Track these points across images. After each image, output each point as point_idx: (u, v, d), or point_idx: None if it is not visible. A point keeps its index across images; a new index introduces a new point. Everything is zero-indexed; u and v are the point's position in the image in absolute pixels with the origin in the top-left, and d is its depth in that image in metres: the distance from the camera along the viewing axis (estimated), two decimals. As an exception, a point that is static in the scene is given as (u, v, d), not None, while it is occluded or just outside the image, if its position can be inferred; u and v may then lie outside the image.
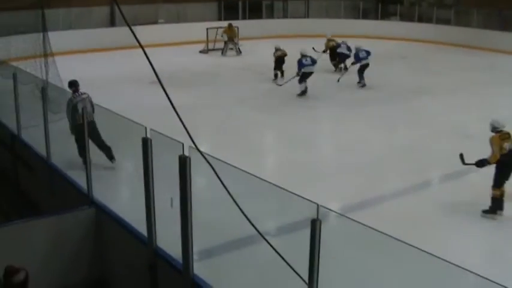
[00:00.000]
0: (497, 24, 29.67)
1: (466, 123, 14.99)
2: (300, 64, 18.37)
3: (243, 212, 4.53)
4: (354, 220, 4.50)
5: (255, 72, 21.45)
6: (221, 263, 7.84)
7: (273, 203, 7.41)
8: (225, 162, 5.30)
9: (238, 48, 27.79)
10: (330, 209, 4.79)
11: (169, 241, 6.66)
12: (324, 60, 23.09)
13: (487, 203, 9.62)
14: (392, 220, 9.04)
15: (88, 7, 28.23)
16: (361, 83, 20.40)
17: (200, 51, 28.16)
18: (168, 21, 31.01)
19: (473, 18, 30.80)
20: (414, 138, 13.97)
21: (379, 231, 4.24)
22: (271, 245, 4.65)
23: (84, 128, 9.04)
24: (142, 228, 6.91)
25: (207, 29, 28.27)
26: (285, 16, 36.32)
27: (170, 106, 4.14)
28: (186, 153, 5.57)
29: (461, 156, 9.93)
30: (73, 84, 11.34)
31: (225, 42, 27.68)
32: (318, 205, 4.31)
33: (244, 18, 33.81)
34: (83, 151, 10.62)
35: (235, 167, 5.51)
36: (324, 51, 23.34)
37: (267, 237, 4.70)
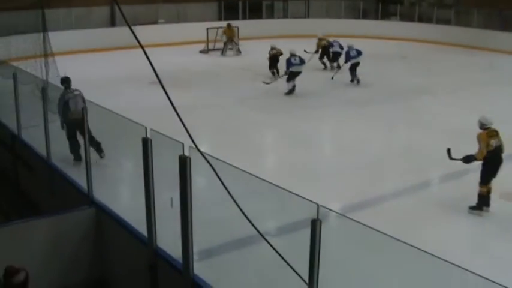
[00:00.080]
0: (498, 24, 29.67)
1: (466, 123, 14.94)
2: (288, 63, 18.57)
3: (243, 212, 4.53)
4: (354, 220, 4.50)
5: (255, 72, 21.45)
6: (221, 263, 7.84)
7: (273, 203, 7.41)
8: (225, 162, 5.30)
9: (238, 49, 27.81)
10: (330, 209, 4.79)
11: (169, 241, 6.66)
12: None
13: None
14: (392, 220, 9.04)
15: (88, 7, 28.23)
16: (355, 80, 20.56)
17: (200, 51, 28.16)
18: (168, 21, 31.02)
19: (473, 18, 30.80)
20: (414, 138, 13.97)
21: (379, 231, 4.24)
22: (271, 245, 4.65)
23: (74, 125, 9.39)
24: (142, 228, 6.91)
25: (207, 29, 28.28)
26: (285, 16, 36.32)
27: (170, 106, 4.14)
28: (186, 153, 5.57)
29: (448, 151, 10.03)
30: (65, 81, 11.54)
31: (225, 43, 27.70)
32: (318, 205, 4.31)
33: (244, 18, 33.82)
34: (73, 148, 10.97)
35: (235, 167, 5.51)
36: (316, 51, 23.45)
37: (267, 237, 4.70)
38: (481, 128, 9.67)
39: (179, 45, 28.72)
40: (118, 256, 7.97)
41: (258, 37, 27.81)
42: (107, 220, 7.96)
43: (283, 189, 4.97)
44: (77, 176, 9.10)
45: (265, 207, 7.50)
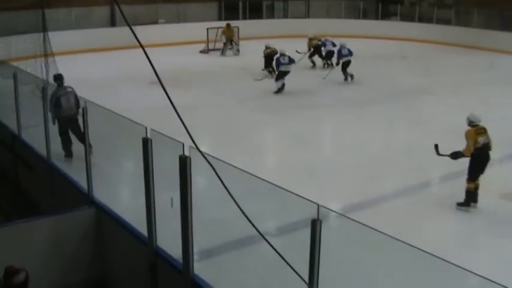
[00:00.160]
0: (498, 24, 29.66)
1: (466, 123, 14.97)
2: (278, 63, 18.88)
3: (243, 212, 4.53)
4: (354, 220, 4.50)
5: (254, 72, 21.44)
6: (221, 263, 7.84)
7: (273, 203, 7.42)
8: (225, 162, 5.30)
9: (238, 49, 27.82)
10: (330, 209, 4.79)
11: (169, 241, 6.65)
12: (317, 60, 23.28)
13: (487, 203, 9.64)
14: (392, 220, 9.05)
15: (88, 7, 28.23)
16: (348, 78, 20.73)
17: (200, 51, 28.17)
18: (168, 21, 31.01)
19: (473, 18, 30.79)
20: (414, 137, 13.98)
21: (379, 231, 4.24)
22: (271, 245, 4.64)
23: (66, 121, 10.35)
24: (142, 228, 6.90)
25: (208, 29, 28.28)
26: (285, 16, 36.32)
27: (170, 106, 4.14)
28: (186, 153, 5.57)
29: (435, 147, 10.15)
30: (58, 78, 11.68)
31: (224, 43, 27.73)
32: (318, 205, 4.31)
33: (244, 18, 33.83)
34: (65, 144, 11.19)
35: (235, 166, 5.50)
36: (309, 51, 23.73)
37: (267, 237, 4.69)
38: (469, 125, 9.81)
39: (179, 45, 28.71)
40: (118, 256, 7.97)
41: (258, 37, 27.79)
42: (107, 220, 7.95)
43: (283, 189, 4.96)
44: (77, 176, 9.09)
45: (265, 207, 7.50)
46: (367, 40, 31.64)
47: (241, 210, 4.52)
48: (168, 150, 6.18)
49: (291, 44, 24.33)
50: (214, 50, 28.08)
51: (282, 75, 18.88)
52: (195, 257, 6.08)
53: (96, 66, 23.48)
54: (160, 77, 4.12)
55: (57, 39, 16.34)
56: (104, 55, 26.15)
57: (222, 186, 4.45)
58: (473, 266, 3.98)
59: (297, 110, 16.88)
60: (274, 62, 19.47)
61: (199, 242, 6.09)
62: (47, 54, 14.35)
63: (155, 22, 30.47)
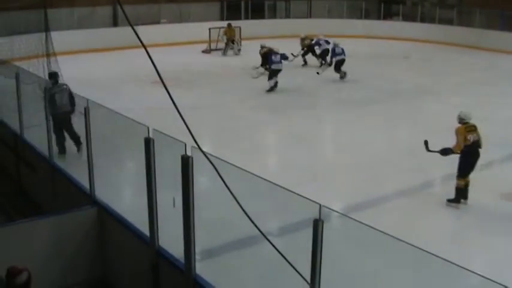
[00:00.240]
0: (500, 24, 29.63)
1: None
2: (270, 60, 19.12)
3: (245, 212, 4.52)
4: (355, 220, 4.50)
5: (251, 71, 21.46)
6: (223, 263, 7.84)
7: (275, 202, 7.41)
8: (227, 162, 5.30)
9: (239, 49, 27.83)
10: (332, 209, 4.78)
11: (171, 241, 6.66)
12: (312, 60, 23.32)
13: (488, 203, 9.63)
14: (393, 220, 9.05)
15: (91, 7, 28.25)
16: (343, 76, 20.98)
17: (203, 51, 28.19)
18: (170, 21, 31.02)
19: (475, 19, 30.75)
20: (415, 137, 13.91)
21: (381, 231, 4.24)
22: (273, 245, 4.64)
23: (59, 118, 10.62)
24: (144, 228, 6.91)
25: (210, 29, 28.29)
26: (287, 16, 36.33)
27: (172, 106, 4.14)
28: (189, 153, 5.57)
29: (425, 143, 10.36)
30: (52, 76, 11.91)
31: (226, 43, 27.76)
32: (320, 205, 4.31)
33: (246, 18, 33.85)
34: (58, 140, 11.35)
35: (237, 166, 5.50)
36: (302, 50, 24.15)
37: (269, 237, 4.69)
38: (460, 122, 9.99)
39: (181, 45, 28.75)
40: (120, 256, 7.97)
41: (260, 37, 27.76)
42: (109, 220, 7.96)
43: (285, 189, 4.96)
44: (79, 175, 9.10)
45: (267, 207, 7.50)
46: (369, 40, 31.65)
47: (243, 210, 4.52)
48: (170, 150, 6.18)
49: (293, 44, 24.46)
50: (216, 49, 28.11)
51: (274, 73, 19.08)
52: (197, 256, 6.08)
53: (98, 66, 23.51)
54: (163, 77, 4.12)
55: (60, 39, 16.34)
56: (106, 55, 26.17)
57: (224, 186, 4.45)
58: (475, 265, 3.98)
59: (298, 110, 16.88)
60: (267, 60, 19.76)
61: (201, 242, 6.09)
62: (49, 54, 14.35)
63: (157, 22, 30.49)
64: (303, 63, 24.31)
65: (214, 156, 4.61)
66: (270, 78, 19.19)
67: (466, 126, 9.88)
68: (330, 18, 34.41)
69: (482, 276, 3.69)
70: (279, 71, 19.10)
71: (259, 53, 21.81)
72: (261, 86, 19.79)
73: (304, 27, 30.01)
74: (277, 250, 4.64)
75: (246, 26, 30.12)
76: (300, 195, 4.69)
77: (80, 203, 8.40)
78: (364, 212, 9.56)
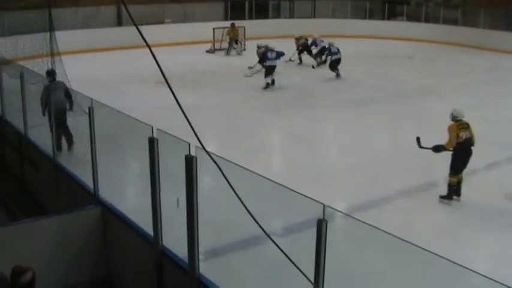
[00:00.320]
0: (504, 24, 29.58)
1: (472, 124, 14.93)
2: (265, 57, 19.62)
3: (249, 212, 4.52)
4: (359, 220, 4.50)
5: (259, 72, 21.45)
6: (227, 263, 7.84)
7: (278, 202, 7.41)
8: (231, 162, 5.30)
9: (242, 49, 27.84)
10: (336, 209, 4.78)
11: (175, 241, 6.66)
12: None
13: (492, 204, 9.63)
14: (397, 220, 9.04)
15: (95, 7, 28.27)
16: (337, 74, 21.42)
17: (207, 51, 28.19)
18: (174, 21, 31.03)
19: (480, 19, 30.69)
20: (419, 136, 13.92)
21: (384, 231, 4.24)
22: (277, 245, 4.64)
23: (55, 115, 10.83)
24: (148, 228, 6.91)
25: (214, 28, 28.30)
26: (291, 16, 36.31)
27: (176, 106, 4.14)
28: (193, 153, 5.57)
29: (417, 139, 10.58)
30: (50, 74, 12.16)
31: (229, 42, 27.78)
32: (324, 205, 4.31)
33: (250, 18, 33.82)
34: (57, 138, 11.30)
35: (241, 166, 5.50)
36: (297, 49, 24.67)
37: (273, 237, 4.69)
38: (452, 120, 10.15)
39: (185, 45, 28.74)
40: (124, 255, 7.98)
41: (264, 37, 27.75)
42: (113, 219, 7.96)
43: (289, 189, 4.96)
44: (83, 175, 9.11)
45: (271, 207, 7.50)
46: (373, 40, 31.63)
47: (247, 209, 4.52)
48: (174, 150, 6.18)
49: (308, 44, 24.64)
50: (220, 49, 28.11)
51: (269, 70, 19.51)
52: (201, 256, 6.09)
53: (103, 66, 23.54)
54: (167, 77, 4.12)
55: (64, 38, 16.36)
56: (111, 55, 26.19)
57: (228, 185, 4.45)
58: (479, 266, 3.97)
59: (301, 110, 16.87)
60: (263, 58, 20.20)
61: (205, 242, 6.09)
62: (53, 53, 14.37)
63: (161, 22, 30.51)
64: (298, 61, 24.80)
65: (218, 156, 4.61)
66: (266, 75, 19.53)
67: (459, 124, 10.04)
68: (334, 18, 34.40)
69: (486, 277, 3.68)
70: (273, 67, 19.49)
71: (257, 53, 22.07)
72: (263, 86, 19.85)
73: (309, 27, 30.00)
74: (281, 250, 4.64)
75: (250, 26, 30.12)
76: (304, 195, 4.69)
77: (84, 202, 8.41)
78: (368, 212, 9.56)
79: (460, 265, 3.81)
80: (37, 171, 11.21)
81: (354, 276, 6.72)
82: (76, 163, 10.24)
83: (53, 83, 11.93)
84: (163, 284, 6.75)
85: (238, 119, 15.90)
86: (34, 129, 11.72)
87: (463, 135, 9.91)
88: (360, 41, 31.38)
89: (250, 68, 21.91)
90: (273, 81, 19.53)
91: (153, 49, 4.08)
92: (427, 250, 4.01)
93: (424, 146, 10.49)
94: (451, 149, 10.02)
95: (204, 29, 28.60)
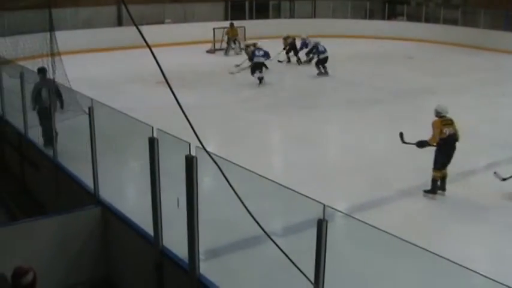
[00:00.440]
0: (504, 24, 29.58)
1: (472, 124, 14.94)
2: (253, 55, 20.35)
3: (249, 212, 4.52)
4: (359, 220, 4.50)
5: (245, 70, 21.46)
6: (227, 263, 7.85)
7: (279, 202, 7.42)
8: (231, 162, 5.29)
9: (240, 49, 27.86)
10: (336, 209, 4.78)
11: (175, 241, 6.66)
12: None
13: (494, 204, 9.63)
14: (397, 220, 9.05)
15: (95, 7, 28.27)
16: (323, 72, 22.00)
17: (207, 51, 28.19)
18: (174, 21, 31.04)
19: (480, 19, 30.69)
20: (420, 138, 13.91)
21: (384, 232, 4.24)
22: (277, 245, 4.64)
23: (44, 112, 11.17)
24: (148, 228, 6.91)
25: (214, 29, 28.31)
26: (291, 16, 36.31)
27: (176, 106, 4.14)
28: (193, 153, 5.57)
29: (401, 135, 10.90)
30: (41, 71, 12.29)
31: (227, 42, 27.78)
32: (324, 205, 4.31)
33: (251, 18, 33.84)
34: (45, 134, 11.66)
35: (241, 166, 5.50)
36: (284, 49, 25.11)
37: (273, 237, 4.69)
38: (436, 116, 10.41)
39: (185, 45, 28.75)
40: (124, 255, 7.98)
41: (265, 37, 27.77)
42: (113, 219, 7.96)
43: (289, 189, 4.96)
44: (83, 175, 9.11)
45: (271, 207, 7.50)
46: (374, 40, 31.63)
47: (247, 210, 4.52)
48: (174, 149, 6.18)
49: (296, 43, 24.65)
50: (220, 49, 28.13)
51: (255, 67, 20.13)
52: (201, 256, 6.08)
53: (103, 66, 23.54)
54: (167, 77, 4.12)
55: (64, 38, 16.31)
56: (111, 55, 26.20)
57: (228, 185, 4.45)
58: (478, 266, 3.97)
59: (301, 110, 16.87)
60: (251, 55, 20.98)
61: (205, 242, 6.09)
62: (53, 53, 14.34)
63: (162, 22, 30.52)
64: (287, 60, 25.27)
65: (218, 156, 4.61)
66: (252, 72, 20.15)
67: (442, 120, 10.25)
68: (334, 18, 34.42)
69: (486, 277, 3.68)
70: (261, 63, 20.12)
71: (246, 52, 22.70)
72: (263, 86, 19.85)
73: (309, 27, 30.05)
74: (281, 250, 4.64)
75: (251, 26, 30.14)
76: (304, 195, 4.69)
77: (84, 202, 8.41)
78: (368, 212, 9.56)
79: (461, 265, 3.81)
80: (37, 171, 11.21)
81: (354, 276, 6.72)
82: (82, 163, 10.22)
83: (43, 81, 12.10)
84: (163, 284, 6.75)
85: (238, 119, 15.90)
86: (34, 129, 11.73)
87: (447, 131, 10.11)
88: (360, 41, 31.39)
89: (237, 65, 22.50)
90: (261, 78, 20.11)
91: (153, 49, 4.08)
92: (427, 250, 4.01)
93: (408, 141, 10.75)
94: (434, 144, 10.23)
95: (204, 29, 28.62)
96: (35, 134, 11.57)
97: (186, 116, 4.16)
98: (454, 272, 4.02)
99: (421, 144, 10.47)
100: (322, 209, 4.32)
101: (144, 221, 7.16)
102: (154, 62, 4.05)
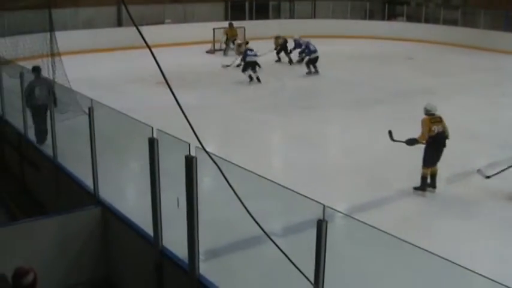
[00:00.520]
0: (504, 25, 29.58)
1: (472, 124, 14.96)
2: (245, 54, 20.83)
3: (249, 212, 4.52)
4: (359, 221, 4.50)
5: (259, 72, 21.46)
6: (227, 263, 7.85)
7: (278, 203, 7.41)
8: (231, 163, 5.30)
9: (231, 48, 27.88)
10: (336, 210, 4.78)
11: (175, 241, 6.66)
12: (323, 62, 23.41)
13: (496, 204, 9.64)
14: (397, 220, 9.05)
15: (95, 7, 28.27)
16: (312, 71, 22.32)
17: (207, 52, 28.19)
18: (174, 21, 31.02)
19: (480, 19, 30.69)
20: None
21: (384, 232, 4.24)
22: (277, 245, 4.64)
23: (37, 110, 11.43)
24: (148, 228, 6.91)
25: (214, 29, 28.30)
26: (291, 17, 36.30)
27: (176, 106, 4.14)
28: (193, 153, 5.57)
29: (389, 133, 11.12)
30: (35, 70, 12.45)
31: (225, 42, 27.78)
32: (324, 206, 4.31)
33: (251, 18, 33.83)
34: (38, 132, 11.81)
35: (241, 167, 5.50)
36: (275, 49, 25.51)
37: (273, 238, 4.69)
38: (426, 114, 10.54)
39: (185, 46, 28.72)
40: (124, 256, 7.98)
41: (265, 37, 27.78)
42: (113, 220, 7.97)
43: (289, 189, 4.96)
44: (83, 175, 9.11)
45: (271, 208, 7.50)
46: (373, 41, 31.62)
47: (247, 210, 4.52)
48: (174, 150, 6.18)
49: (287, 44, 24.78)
50: (220, 50, 28.11)
51: (247, 65, 20.64)
52: (201, 257, 6.08)
53: (103, 66, 23.53)
54: (167, 77, 4.12)
55: (64, 39, 16.34)
56: (111, 55, 26.18)
57: (228, 186, 4.45)
58: (478, 266, 3.97)
59: (301, 110, 16.88)
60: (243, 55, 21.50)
61: (205, 242, 6.10)
62: (53, 54, 14.35)
63: (161, 22, 30.49)
64: (276, 59, 25.53)
65: (218, 157, 4.61)
66: (244, 70, 20.75)
67: (431, 118, 10.39)
68: (334, 19, 34.40)
69: (487, 278, 3.68)
70: (254, 62, 20.67)
71: (237, 50, 23.50)
72: (263, 86, 19.86)
73: (309, 27, 30.09)
74: (281, 250, 4.64)
75: (250, 26, 30.14)
76: (304, 196, 4.69)
77: (84, 202, 8.41)
78: (368, 212, 9.57)
79: (461, 266, 3.81)
80: (37, 171, 11.21)
81: (354, 277, 6.72)
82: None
83: (37, 79, 12.20)
84: (163, 284, 6.75)
85: (238, 119, 15.90)
86: (34, 130, 11.75)
87: (436, 128, 10.27)
88: (360, 41, 31.38)
89: (227, 66, 23.46)
90: (258, 78, 20.56)
91: (153, 49, 4.08)
92: (427, 250, 4.01)
93: (397, 139, 10.93)
94: (423, 142, 10.41)
95: (204, 29, 28.60)
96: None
97: (185, 116, 4.16)
98: (453, 272, 4.02)
99: (411, 142, 10.68)
100: (322, 209, 4.32)
101: (144, 221, 7.16)
102: (154, 62, 4.05)
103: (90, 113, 8.45)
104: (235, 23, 28.85)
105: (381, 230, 4.24)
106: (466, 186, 10.86)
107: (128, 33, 20.60)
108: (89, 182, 8.67)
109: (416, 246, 4.05)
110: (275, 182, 5.20)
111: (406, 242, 4.11)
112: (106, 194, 8.35)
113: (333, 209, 4.49)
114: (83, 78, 17.54)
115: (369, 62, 25.55)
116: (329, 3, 35.65)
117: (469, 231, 9.23)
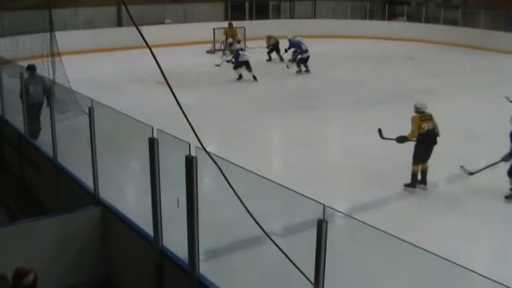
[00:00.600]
0: (504, 25, 29.57)
1: (472, 124, 14.96)
2: (237, 54, 21.36)
3: (249, 212, 4.52)
4: (359, 221, 4.49)
5: (259, 72, 21.46)
6: (227, 263, 7.84)
7: (279, 203, 7.41)
8: (231, 162, 5.29)
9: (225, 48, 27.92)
10: (337, 210, 4.78)
11: (175, 241, 6.66)
12: (322, 61, 23.38)
13: (497, 205, 9.64)
14: (398, 220, 9.05)
15: (95, 7, 28.27)
16: (302, 70, 22.62)
17: (207, 52, 28.19)
18: (174, 21, 31.03)
19: (480, 19, 30.68)
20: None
21: (385, 232, 4.23)
22: (277, 245, 4.64)
23: (31, 107, 11.58)
24: (148, 228, 6.91)
25: (214, 29, 28.30)
26: (291, 17, 36.31)
27: (176, 106, 4.13)
28: (193, 153, 5.57)
29: (379, 131, 11.25)
30: (30, 68, 12.67)
31: (224, 42, 27.80)
32: (324, 206, 4.31)
33: (251, 18, 33.85)
34: (30, 127, 11.86)
35: (241, 167, 5.50)
36: (267, 48, 25.96)
37: (273, 238, 4.69)
38: (416, 111, 10.74)
39: (186, 46, 28.74)
40: (124, 256, 7.98)
41: (264, 38, 27.79)
42: (113, 220, 7.96)
43: (289, 189, 4.96)
44: (83, 175, 9.11)
45: (271, 208, 7.50)
46: (374, 41, 31.62)
47: (247, 210, 4.52)
48: (174, 150, 6.18)
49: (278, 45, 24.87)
50: (220, 50, 28.09)
51: (240, 64, 21.02)
52: (201, 257, 6.08)
53: (103, 66, 23.54)
54: (167, 77, 4.12)
55: (64, 39, 16.33)
56: (111, 55, 26.20)
57: (228, 186, 4.45)
58: (478, 266, 3.96)
59: (301, 110, 16.89)
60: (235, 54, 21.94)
61: (205, 242, 6.09)
62: (53, 54, 14.34)
63: (162, 22, 30.52)
64: (267, 58, 25.88)
65: (218, 157, 4.61)
66: (235, 68, 21.17)
67: (421, 116, 10.59)
68: (334, 19, 34.41)
69: (486, 277, 3.68)
70: (246, 62, 20.99)
71: (230, 49, 23.54)
72: (263, 86, 19.85)
73: (309, 27, 30.08)
74: (281, 250, 4.63)
75: (251, 26, 30.14)
76: (304, 196, 4.69)
77: (84, 202, 8.41)
78: (368, 212, 9.56)
79: (461, 266, 3.81)
80: (37, 171, 11.20)
81: (354, 277, 6.72)
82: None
83: (32, 77, 12.38)
84: (163, 284, 6.75)
85: (238, 119, 15.90)
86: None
87: (426, 126, 10.45)
88: (360, 41, 31.38)
89: (217, 65, 23.71)
90: (254, 77, 20.87)
91: (153, 49, 4.08)
92: (427, 250, 4.01)
93: (387, 137, 11.06)
94: (414, 139, 10.53)
95: (204, 29, 28.61)
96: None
97: (186, 116, 4.16)
98: (453, 272, 4.02)
99: (401, 139, 10.80)
100: (322, 209, 4.32)
101: (144, 221, 7.16)
102: (154, 62, 4.05)
103: (90, 113, 8.45)
104: (235, 23, 28.85)
105: (381, 230, 4.24)
106: (466, 186, 10.85)
107: (128, 33, 20.60)
108: (89, 182, 8.66)
109: (417, 246, 4.05)
110: (275, 182, 5.20)
111: (406, 242, 4.11)
112: (106, 194, 8.35)
113: (333, 209, 4.48)
114: (83, 78, 17.55)
115: (369, 62, 25.55)
116: (329, 3, 35.66)
117: (469, 231, 9.23)
